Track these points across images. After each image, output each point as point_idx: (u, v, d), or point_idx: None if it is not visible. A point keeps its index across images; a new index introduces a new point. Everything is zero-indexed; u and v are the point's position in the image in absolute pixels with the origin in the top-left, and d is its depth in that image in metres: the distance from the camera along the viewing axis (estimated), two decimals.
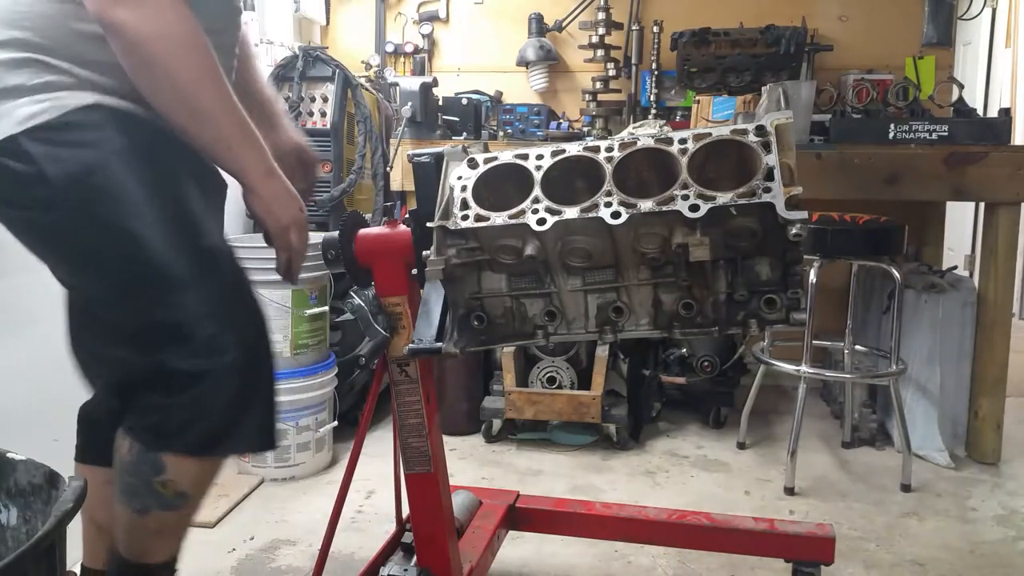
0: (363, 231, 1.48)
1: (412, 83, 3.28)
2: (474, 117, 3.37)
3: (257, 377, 1.26)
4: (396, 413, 1.51)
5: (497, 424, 2.85)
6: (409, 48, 3.67)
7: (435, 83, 3.36)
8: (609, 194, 1.16)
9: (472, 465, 2.70)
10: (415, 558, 1.57)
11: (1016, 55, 4.56)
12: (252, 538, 2.19)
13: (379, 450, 2.52)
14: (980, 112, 3.64)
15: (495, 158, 1.24)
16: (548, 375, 2.80)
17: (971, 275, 3.92)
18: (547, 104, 3.57)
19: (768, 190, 1.11)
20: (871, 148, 2.71)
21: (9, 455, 0.99)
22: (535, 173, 1.20)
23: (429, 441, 1.50)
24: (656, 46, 3.47)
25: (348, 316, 2.76)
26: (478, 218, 1.20)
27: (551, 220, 1.16)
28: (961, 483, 2.57)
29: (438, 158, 1.31)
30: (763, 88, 1.29)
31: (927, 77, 3.30)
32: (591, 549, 2.10)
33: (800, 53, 3.15)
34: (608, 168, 1.17)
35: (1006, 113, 2.84)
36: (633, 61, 3.53)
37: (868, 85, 2.95)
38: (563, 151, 1.21)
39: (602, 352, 2.77)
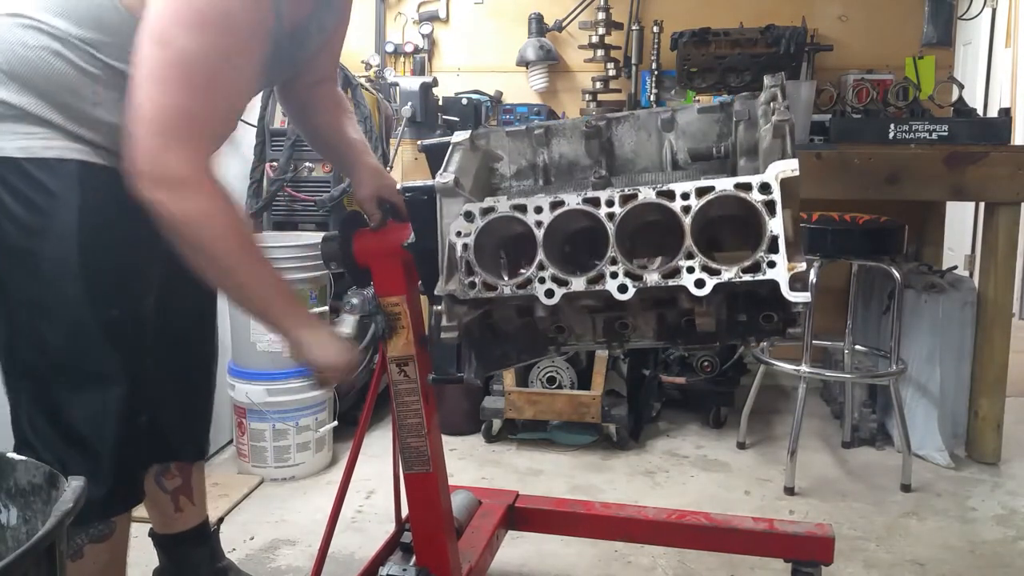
0: (361, 231, 1.48)
1: (412, 83, 3.28)
2: (474, 117, 3.37)
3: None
4: (395, 413, 1.51)
5: (497, 424, 2.85)
6: (409, 48, 3.67)
7: (435, 83, 3.36)
8: (614, 261, 1.14)
9: (472, 465, 2.70)
10: (414, 558, 1.57)
11: (1016, 55, 4.56)
12: (252, 538, 2.19)
13: (379, 450, 2.52)
14: (980, 112, 3.64)
15: (492, 209, 1.20)
16: (548, 375, 2.80)
17: (971, 275, 3.92)
18: (547, 104, 3.57)
19: (772, 264, 1.10)
20: (871, 148, 2.71)
21: (9, 455, 0.99)
22: (536, 231, 1.17)
23: (428, 441, 1.50)
24: (656, 46, 3.47)
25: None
26: (486, 286, 1.19)
27: (559, 292, 1.16)
28: (961, 483, 2.57)
29: (431, 193, 1.27)
30: (765, 78, 1.24)
31: (927, 77, 3.30)
32: (591, 549, 2.10)
33: (800, 53, 3.15)
34: (611, 229, 1.15)
35: (1006, 113, 2.84)
36: (633, 61, 3.53)
37: (868, 85, 2.95)
38: (562, 203, 1.17)
39: (602, 352, 2.77)
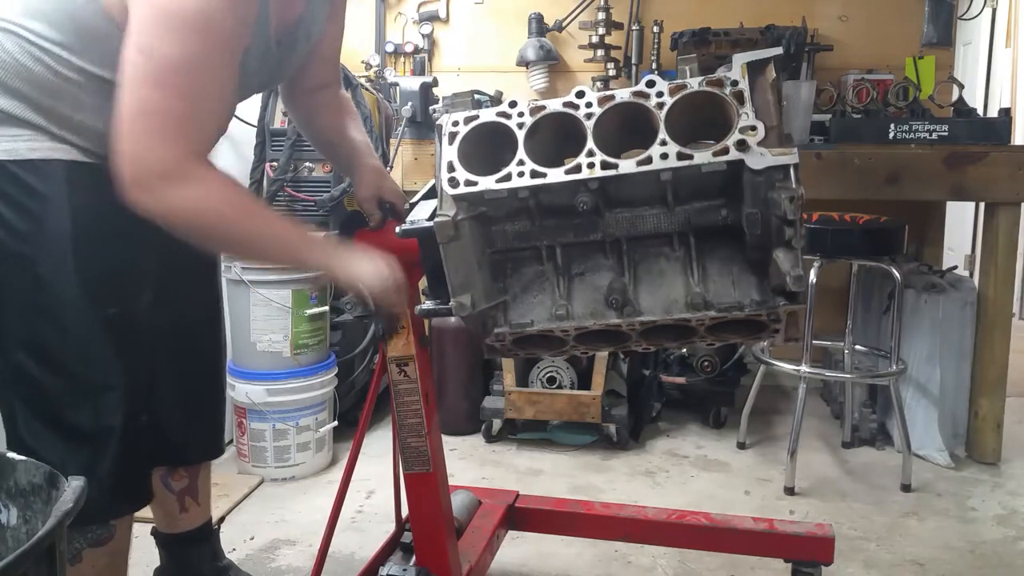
0: (362, 231, 1.48)
1: (412, 83, 3.27)
2: None
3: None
4: (395, 413, 1.51)
5: (497, 424, 2.86)
6: (409, 48, 3.66)
7: (435, 83, 3.36)
8: (638, 342, 1.29)
9: (472, 465, 2.70)
10: (414, 558, 1.57)
11: (1016, 55, 4.56)
12: (252, 538, 2.19)
13: (379, 450, 2.52)
14: (980, 112, 3.63)
15: (522, 327, 1.27)
16: (548, 375, 2.80)
17: (971, 275, 3.92)
18: None
19: (776, 331, 1.27)
20: (871, 148, 2.71)
21: (9, 455, 0.99)
22: (561, 335, 1.27)
23: (428, 441, 1.50)
24: (656, 46, 3.46)
25: (348, 316, 2.77)
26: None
27: (592, 353, 1.35)
28: (961, 483, 2.57)
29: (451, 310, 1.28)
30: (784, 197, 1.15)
31: (927, 77, 3.30)
32: (591, 549, 2.10)
33: (800, 53, 3.15)
34: (634, 336, 1.26)
35: (1006, 113, 2.84)
36: (633, 61, 3.53)
37: (868, 85, 2.95)
38: (586, 328, 1.25)
39: (602, 352, 2.77)
